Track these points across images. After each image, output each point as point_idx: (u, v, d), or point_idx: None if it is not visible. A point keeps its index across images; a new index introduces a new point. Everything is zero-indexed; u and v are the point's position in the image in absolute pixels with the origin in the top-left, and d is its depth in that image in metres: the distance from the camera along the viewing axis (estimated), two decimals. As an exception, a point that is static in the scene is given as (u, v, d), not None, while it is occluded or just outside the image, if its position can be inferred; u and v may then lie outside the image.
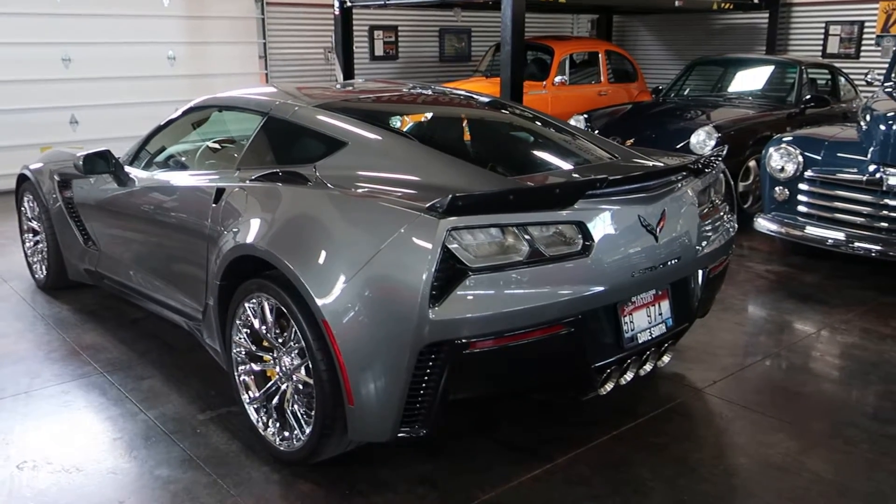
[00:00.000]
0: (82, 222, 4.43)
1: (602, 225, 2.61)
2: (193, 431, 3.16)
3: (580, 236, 2.57)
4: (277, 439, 2.87)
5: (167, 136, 4.07)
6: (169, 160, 4.03)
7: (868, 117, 5.31)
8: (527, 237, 2.47)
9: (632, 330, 2.79)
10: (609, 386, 2.82)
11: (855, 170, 4.92)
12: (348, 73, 9.70)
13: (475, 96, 3.98)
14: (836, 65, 8.56)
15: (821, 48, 10.55)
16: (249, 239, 2.82)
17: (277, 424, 2.89)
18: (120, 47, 8.84)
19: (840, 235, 5.05)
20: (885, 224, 4.88)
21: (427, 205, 2.38)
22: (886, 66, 6.23)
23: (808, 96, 7.35)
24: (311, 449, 2.71)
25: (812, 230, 5.19)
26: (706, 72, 8.60)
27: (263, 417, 2.96)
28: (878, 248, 4.85)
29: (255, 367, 2.98)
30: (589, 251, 2.56)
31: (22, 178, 4.92)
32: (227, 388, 3.49)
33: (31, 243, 5.04)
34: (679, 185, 2.93)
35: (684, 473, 2.84)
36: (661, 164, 3.10)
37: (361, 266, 2.44)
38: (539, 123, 3.61)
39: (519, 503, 2.67)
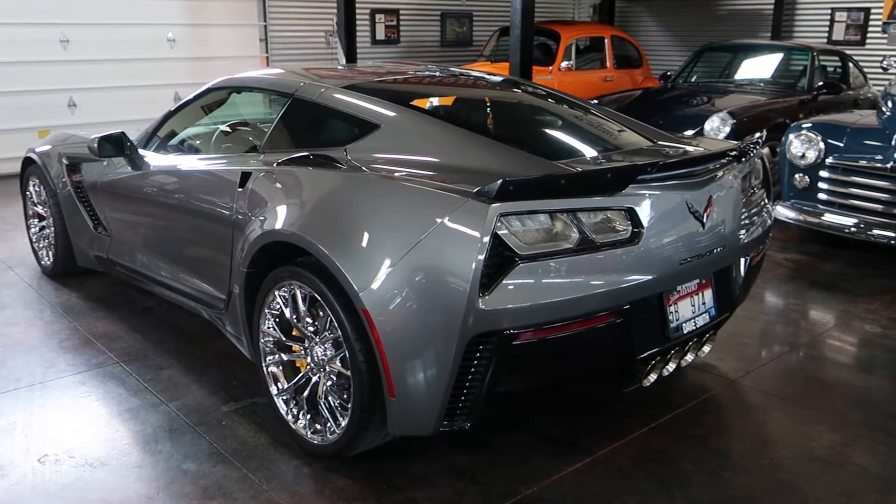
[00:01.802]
0: (92, 207, 4.31)
1: (651, 211, 2.52)
2: (219, 423, 3.06)
3: (629, 223, 2.48)
4: (309, 432, 2.78)
5: (183, 118, 3.94)
6: (185, 143, 3.91)
7: (890, 104, 5.25)
8: (576, 224, 2.37)
9: (677, 320, 2.71)
10: (652, 377, 2.75)
11: (879, 157, 4.85)
12: (351, 56, 9.55)
13: (500, 78, 3.87)
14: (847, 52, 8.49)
15: (826, 35, 10.48)
16: (281, 225, 2.72)
17: (308, 417, 2.79)
18: (119, 29, 8.65)
19: (861, 223, 4.99)
20: (908, 212, 4.82)
21: (475, 189, 2.28)
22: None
23: (820, 83, 7.28)
24: (347, 442, 2.62)
25: (833, 217, 5.13)
26: (715, 58, 8.52)
27: (293, 410, 2.86)
28: (901, 236, 4.80)
29: (285, 358, 2.89)
30: (638, 238, 2.47)
31: (27, 162, 4.77)
32: (250, 378, 3.40)
33: (37, 229, 4.90)
34: (724, 170, 2.84)
35: (727, 467, 2.77)
36: (704, 149, 3.00)
37: (405, 253, 2.35)
38: (571, 106, 3.50)
39: (562, 498, 2.59)
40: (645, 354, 2.62)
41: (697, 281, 2.80)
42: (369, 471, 2.73)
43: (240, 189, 3.05)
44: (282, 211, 2.77)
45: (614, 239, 2.44)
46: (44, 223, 4.81)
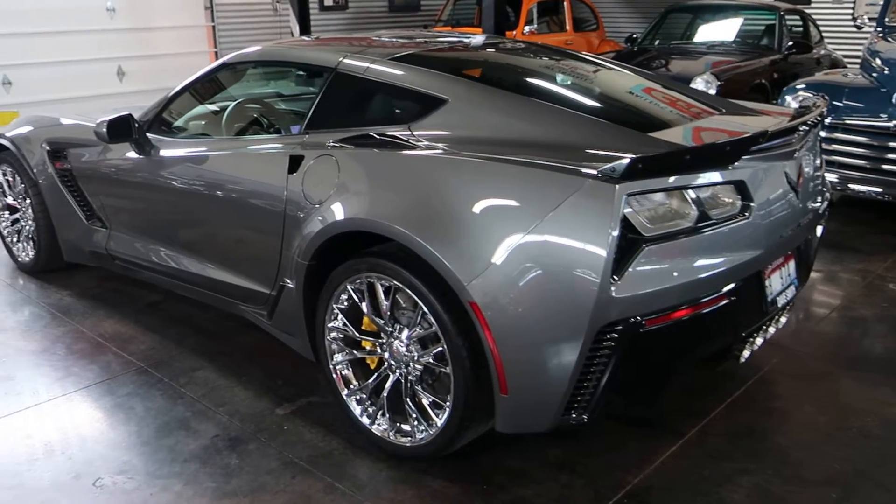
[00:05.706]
0: (84, 197, 3.92)
1: (758, 184, 2.41)
2: (280, 429, 2.83)
3: (739, 197, 2.37)
4: (392, 434, 2.59)
5: (191, 98, 3.60)
6: (200, 125, 3.58)
7: (879, 61, 5.30)
8: (693, 200, 2.24)
9: (771, 294, 2.62)
10: (747, 353, 2.66)
11: (883, 115, 4.90)
12: (304, 24, 9.13)
13: (545, 47, 3.69)
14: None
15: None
16: (359, 213, 2.49)
17: (388, 417, 2.61)
18: (53, -2, 7.99)
19: (863, 181, 5.05)
20: (907, 169, 4.90)
21: (599, 168, 2.11)
22: (879, 9, 6.23)
23: (790, 42, 7.36)
24: (445, 443, 2.45)
25: (831, 177, 5.17)
26: (679, 19, 8.50)
27: (370, 410, 2.66)
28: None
29: (357, 355, 2.68)
30: (749, 212, 2.36)
31: (-3, 148, 4.31)
32: (293, 375, 3.21)
33: (9, 223, 4.46)
34: (807, 139, 2.75)
35: (822, 440, 2.73)
36: (788, 117, 2.90)
37: (518, 241, 2.16)
38: (624, 74, 3.35)
39: (672, 484, 2.49)
40: (748, 331, 2.54)
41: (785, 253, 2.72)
42: (461, 470, 2.57)
43: (291, 175, 2.79)
44: (356, 197, 2.53)
45: (728, 214, 2.33)
46: (17, 216, 4.38)
